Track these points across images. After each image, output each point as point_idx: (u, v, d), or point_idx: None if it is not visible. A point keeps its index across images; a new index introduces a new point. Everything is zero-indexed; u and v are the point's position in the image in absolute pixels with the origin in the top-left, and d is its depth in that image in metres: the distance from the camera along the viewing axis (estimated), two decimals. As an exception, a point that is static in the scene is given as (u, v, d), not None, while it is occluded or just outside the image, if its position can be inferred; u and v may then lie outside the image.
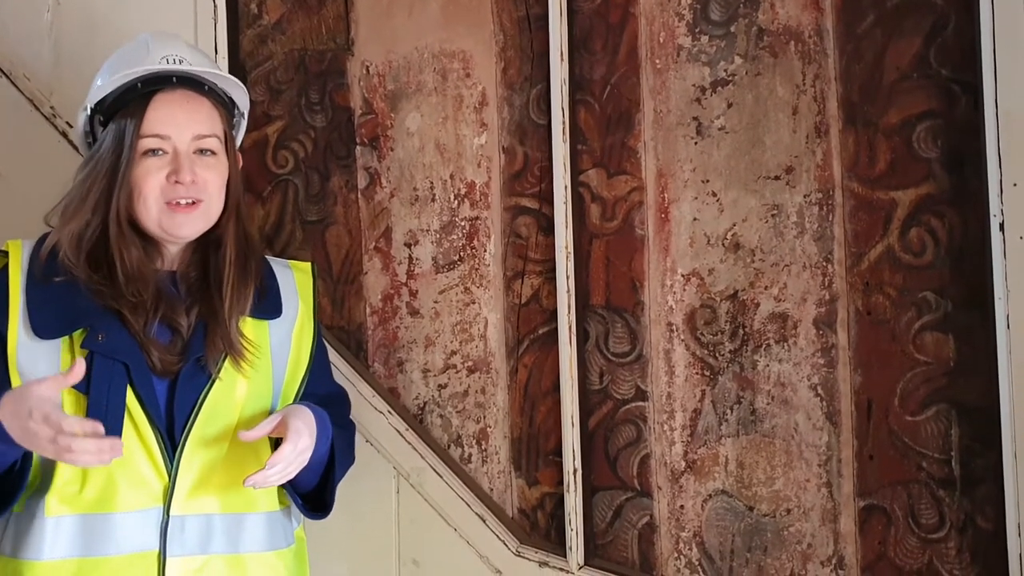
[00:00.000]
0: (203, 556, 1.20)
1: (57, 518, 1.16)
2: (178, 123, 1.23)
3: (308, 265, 1.40)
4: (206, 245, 1.28)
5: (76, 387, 1.16)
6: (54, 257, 1.22)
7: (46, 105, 1.68)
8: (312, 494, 1.32)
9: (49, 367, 1.18)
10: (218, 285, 1.25)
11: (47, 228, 1.32)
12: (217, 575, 1.21)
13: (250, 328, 1.26)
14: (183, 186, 1.22)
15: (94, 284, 1.20)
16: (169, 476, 1.19)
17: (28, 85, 1.69)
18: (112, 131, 1.23)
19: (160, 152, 1.23)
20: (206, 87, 1.28)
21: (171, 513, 1.19)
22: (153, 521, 1.18)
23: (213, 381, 1.22)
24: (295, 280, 1.36)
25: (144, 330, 1.20)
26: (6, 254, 1.24)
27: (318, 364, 1.36)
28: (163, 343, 1.21)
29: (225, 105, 1.31)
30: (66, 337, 1.19)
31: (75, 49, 1.68)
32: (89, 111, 1.26)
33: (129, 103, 1.23)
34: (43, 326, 1.18)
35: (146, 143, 1.22)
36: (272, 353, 1.29)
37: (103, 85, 1.25)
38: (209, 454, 1.20)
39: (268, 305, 1.30)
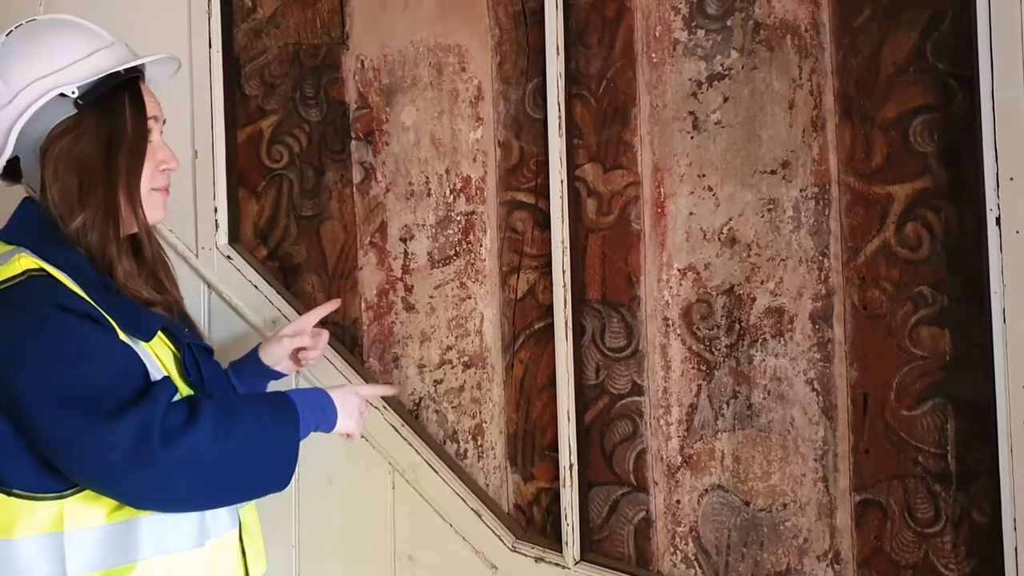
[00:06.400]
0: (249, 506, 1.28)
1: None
2: (160, 110, 1.23)
3: None
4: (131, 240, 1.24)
5: (192, 382, 1.18)
6: (107, 263, 1.15)
7: (39, 99, 1.67)
8: None
9: (150, 362, 1.14)
10: (166, 271, 1.25)
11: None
12: (254, 522, 1.28)
13: None
14: (168, 172, 1.23)
15: (135, 279, 1.19)
16: None
17: (20, 79, 1.68)
18: (115, 115, 1.16)
19: (150, 140, 1.22)
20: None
21: None
22: None
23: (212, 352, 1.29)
24: None
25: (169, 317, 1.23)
26: (36, 270, 1.10)
27: None
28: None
29: None
30: None
31: (68, 43, 1.67)
32: (75, 92, 1.14)
33: (121, 85, 1.17)
34: (140, 328, 1.14)
35: (150, 125, 1.21)
36: None
37: (92, 65, 1.16)
38: None
39: None
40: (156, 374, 1.13)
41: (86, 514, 1.09)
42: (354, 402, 1.26)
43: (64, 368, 1.05)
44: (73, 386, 1.04)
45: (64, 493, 1.08)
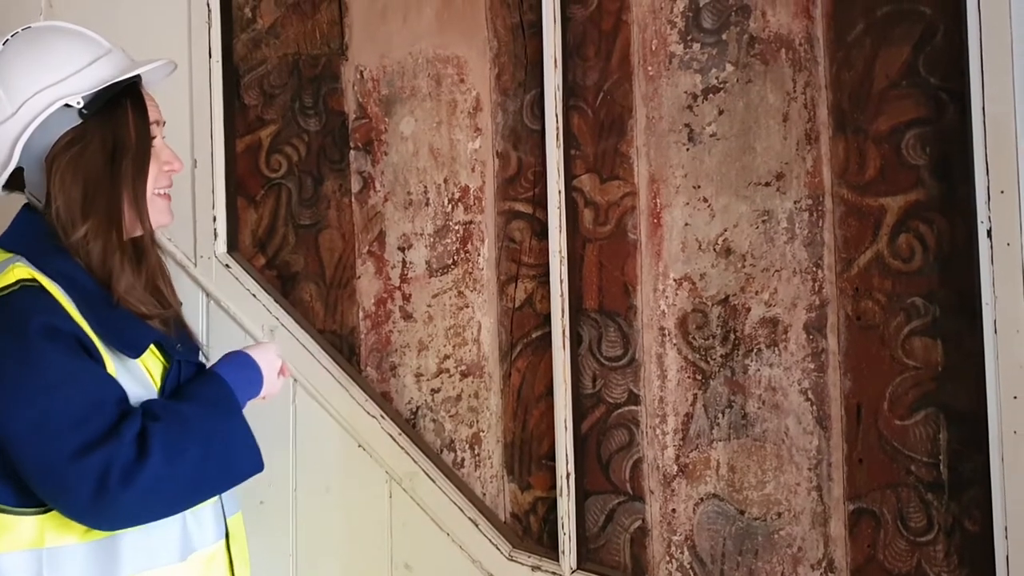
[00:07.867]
0: (235, 514, 1.26)
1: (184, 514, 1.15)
2: (159, 113, 1.23)
3: None
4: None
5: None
6: (107, 274, 1.14)
7: (38, 108, 1.67)
8: None
9: (135, 378, 1.14)
10: (166, 281, 1.23)
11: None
12: (240, 529, 1.26)
13: None
14: (171, 173, 1.23)
15: (135, 291, 1.17)
16: None
17: (20, 88, 1.68)
18: (118, 123, 1.16)
19: (152, 144, 1.21)
20: None
21: None
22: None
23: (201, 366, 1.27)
24: None
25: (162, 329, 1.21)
26: (29, 280, 1.09)
27: None
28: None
29: None
30: None
31: (68, 52, 1.67)
32: (80, 103, 1.13)
33: (122, 92, 1.17)
34: (129, 345, 1.13)
35: (153, 130, 1.21)
36: None
37: (95, 75, 1.15)
38: None
39: None
40: (141, 391, 1.12)
41: (66, 530, 1.07)
42: (274, 362, 1.26)
43: (40, 396, 1.04)
44: (46, 416, 1.03)
45: (44, 509, 1.07)
